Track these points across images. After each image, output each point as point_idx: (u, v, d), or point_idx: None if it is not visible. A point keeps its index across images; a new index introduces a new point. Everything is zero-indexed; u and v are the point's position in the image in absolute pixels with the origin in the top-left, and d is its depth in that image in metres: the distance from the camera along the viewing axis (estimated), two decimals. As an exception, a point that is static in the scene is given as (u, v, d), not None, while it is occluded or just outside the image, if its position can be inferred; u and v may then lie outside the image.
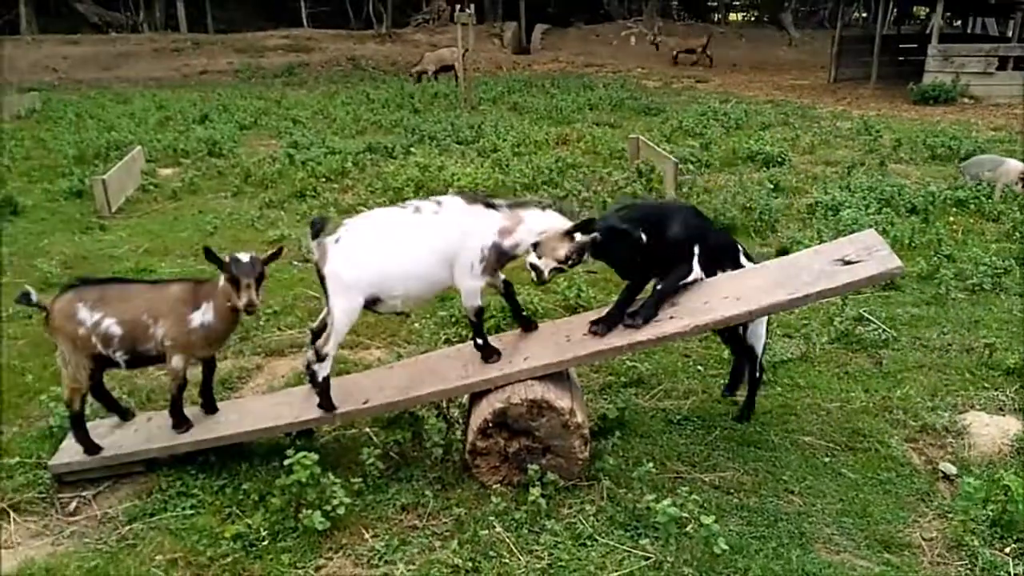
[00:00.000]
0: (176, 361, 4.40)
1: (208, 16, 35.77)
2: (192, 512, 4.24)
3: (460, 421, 4.88)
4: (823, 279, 4.39)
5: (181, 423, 4.59)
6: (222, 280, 4.27)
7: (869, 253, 4.52)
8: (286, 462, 4.06)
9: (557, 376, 4.44)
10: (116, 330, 4.31)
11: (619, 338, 4.46)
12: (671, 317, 4.49)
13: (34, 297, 4.34)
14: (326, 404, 4.48)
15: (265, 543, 3.95)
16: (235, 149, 14.04)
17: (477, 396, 4.48)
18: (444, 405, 4.96)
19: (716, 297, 4.53)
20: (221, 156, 13.52)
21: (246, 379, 5.83)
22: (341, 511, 4.03)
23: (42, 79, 25.49)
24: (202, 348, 4.49)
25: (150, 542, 4.03)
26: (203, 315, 4.36)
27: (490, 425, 4.28)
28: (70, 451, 4.55)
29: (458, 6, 22.99)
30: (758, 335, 4.92)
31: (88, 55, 28.80)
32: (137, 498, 4.39)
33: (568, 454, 4.36)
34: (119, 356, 4.37)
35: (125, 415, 4.84)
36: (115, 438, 4.63)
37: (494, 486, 4.37)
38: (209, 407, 4.76)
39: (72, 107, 19.13)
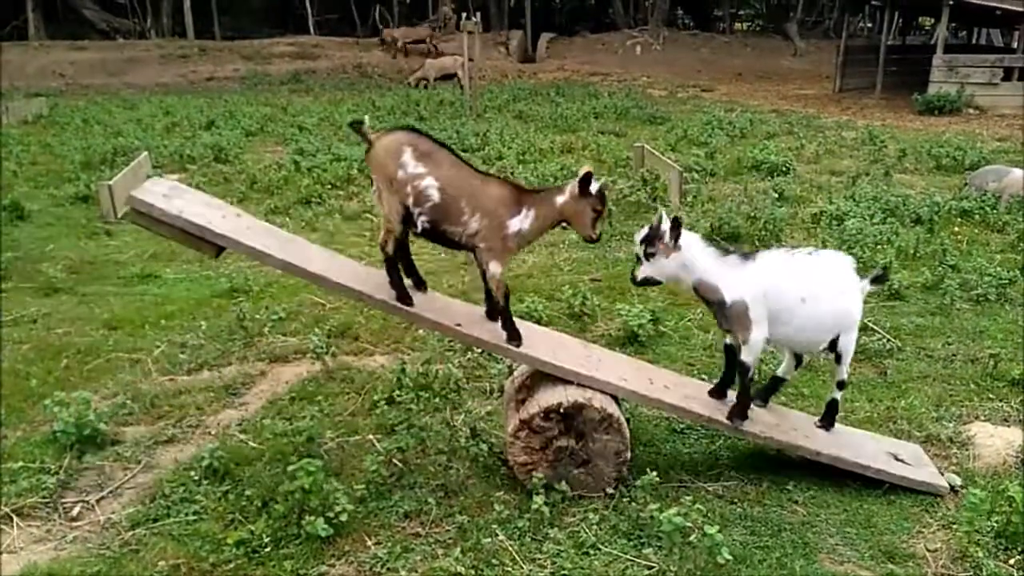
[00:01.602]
0: (493, 268, 4.28)
1: (215, 23, 35.94)
2: (195, 518, 4.24)
3: (464, 428, 4.87)
4: (881, 460, 4.56)
5: (514, 336, 4.42)
6: (572, 200, 4.18)
7: (918, 462, 4.68)
8: (289, 468, 4.06)
9: (620, 409, 4.47)
10: (434, 194, 4.16)
11: (701, 408, 4.54)
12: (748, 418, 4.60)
13: (365, 126, 4.26)
14: None
15: (268, 549, 3.95)
16: (241, 155, 14.08)
17: (554, 380, 4.41)
18: (449, 414, 4.95)
19: (789, 424, 4.71)
20: (227, 162, 13.56)
21: (250, 385, 5.84)
22: (344, 518, 4.02)
23: (49, 84, 25.62)
24: (513, 252, 4.39)
25: (153, 548, 4.02)
26: (521, 221, 4.24)
27: (560, 412, 4.26)
28: (155, 197, 4.39)
29: (464, 14, 23.09)
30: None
31: (95, 61, 28.92)
32: (140, 503, 4.39)
33: (600, 477, 4.37)
34: (422, 220, 4.21)
35: (421, 286, 4.65)
36: (203, 211, 4.46)
37: (515, 463, 4.36)
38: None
39: (79, 112, 19.21)
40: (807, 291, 4.33)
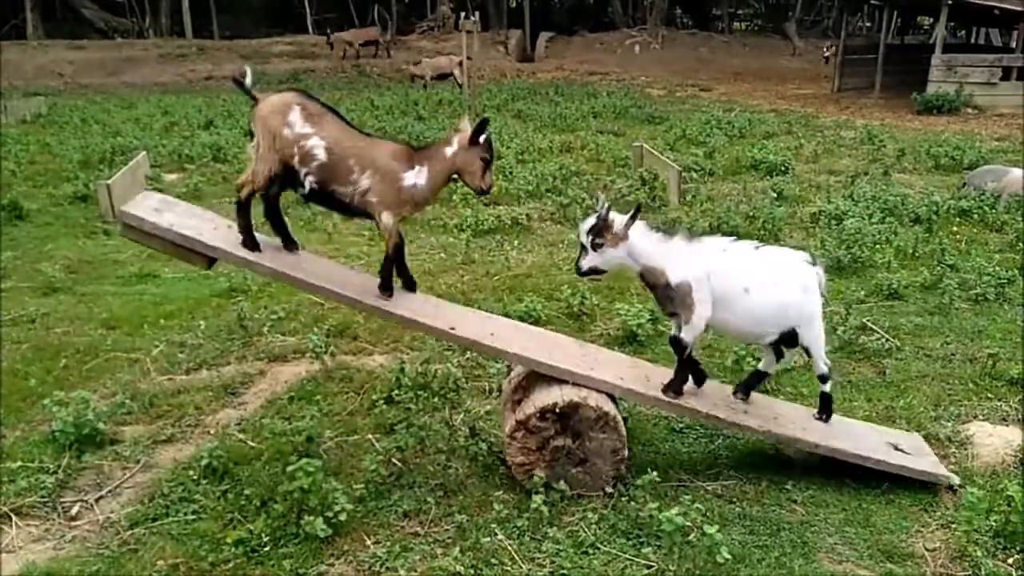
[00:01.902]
0: (386, 218, 4.32)
1: (214, 22, 35.93)
2: (194, 517, 4.24)
3: (463, 427, 4.87)
4: (883, 452, 4.56)
5: (387, 287, 4.48)
6: (461, 151, 4.28)
7: (919, 452, 4.69)
8: (288, 468, 4.06)
9: (616, 406, 4.48)
10: (320, 153, 4.21)
11: (699, 404, 4.55)
12: (745, 412, 4.62)
13: (248, 79, 4.28)
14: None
15: (267, 549, 3.95)
16: (240, 155, 14.05)
17: (546, 379, 4.43)
18: (448, 413, 4.95)
19: (787, 418, 4.70)
20: (226, 161, 13.55)
21: (249, 384, 5.83)
22: (343, 517, 4.02)
23: (48, 84, 25.61)
24: (409, 208, 4.42)
25: (152, 547, 4.02)
26: (416, 176, 4.29)
27: (554, 412, 4.27)
28: (145, 211, 4.43)
29: (463, 13, 23.09)
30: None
31: (94, 60, 28.91)
32: (139, 503, 4.39)
33: (598, 476, 4.37)
34: (309, 180, 4.27)
35: (291, 245, 4.70)
36: (194, 223, 4.54)
37: (513, 464, 4.37)
38: (409, 283, 4.71)
39: (77, 112, 19.19)
40: (751, 282, 4.32)
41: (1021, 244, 8.54)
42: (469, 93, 19.85)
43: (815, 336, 4.53)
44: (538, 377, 4.49)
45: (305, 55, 31.04)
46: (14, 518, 4.26)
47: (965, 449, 4.92)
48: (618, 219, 4.23)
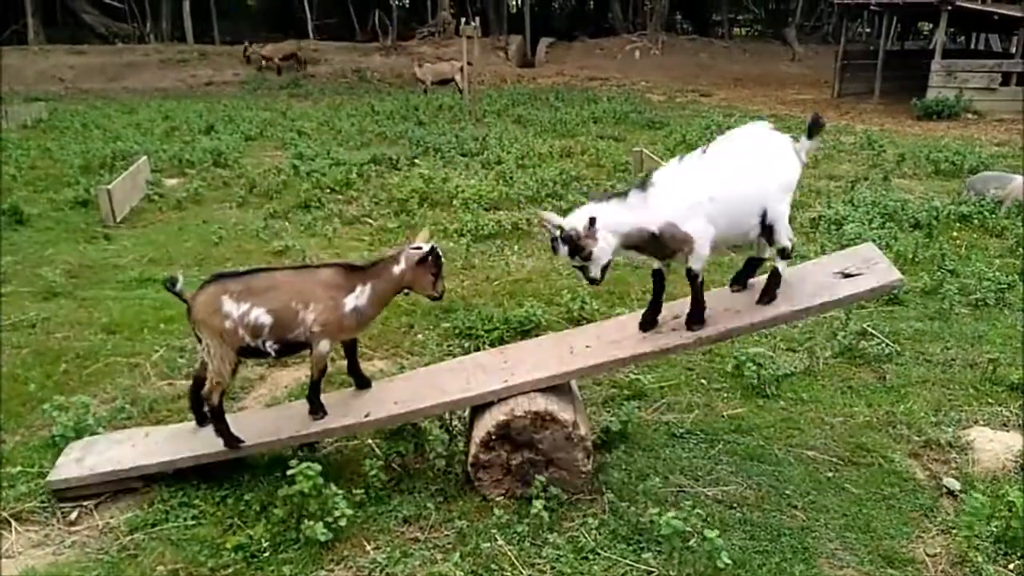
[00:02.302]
0: (323, 346, 4.39)
1: (214, 27, 35.94)
2: (194, 523, 4.24)
3: (463, 433, 4.87)
4: (824, 292, 4.42)
5: (317, 410, 4.55)
6: (410, 270, 4.36)
7: (868, 266, 4.55)
8: (288, 472, 4.06)
9: (560, 389, 4.45)
10: (266, 319, 4.26)
11: (621, 350, 4.48)
12: (673, 330, 4.51)
13: (179, 285, 4.33)
14: None
15: (266, 554, 3.95)
16: (240, 160, 14.09)
17: (479, 409, 4.47)
18: (447, 417, 4.95)
19: (718, 310, 4.55)
20: (226, 167, 13.56)
21: (249, 389, 5.84)
22: (343, 522, 4.02)
23: (49, 89, 25.61)
24: (352, 331, 4.50)
25: (151, 552, 4.02)
26: (357, 299, 4.35)
27: (493, 438, 4.28)
28: (68, 467, 4.52)
29: (463, 19, 23.12)
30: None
31: (94, 65, 28.93)
32: (139, 508, 4.39)
33: (571, 467, 4.35)
34: (269, 346, 4.33)
35: (203, 421, 4.69)
36: (113, 453, 4.59)
37: (497, 499, 4.36)
38: (361, 382, 4.80)
39: (78, 117, 19.20)
40: (712, 190, 4.19)
41: (1021, 249, 8.55)
42: (470, 98, 19.87)
43: (782, 211, 4.35)
44: (473, 412, 4.54)
45: (306, 60, 31.04)
46: (14, 523, 4.27)
47: (966, 454, 4.92)
48: (577, 223, 4.18)
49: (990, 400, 5.57)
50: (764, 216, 4.31)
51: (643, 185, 4.29)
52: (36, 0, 32.76)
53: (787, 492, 4.51)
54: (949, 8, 19.97)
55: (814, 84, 27.05)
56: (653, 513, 3.91)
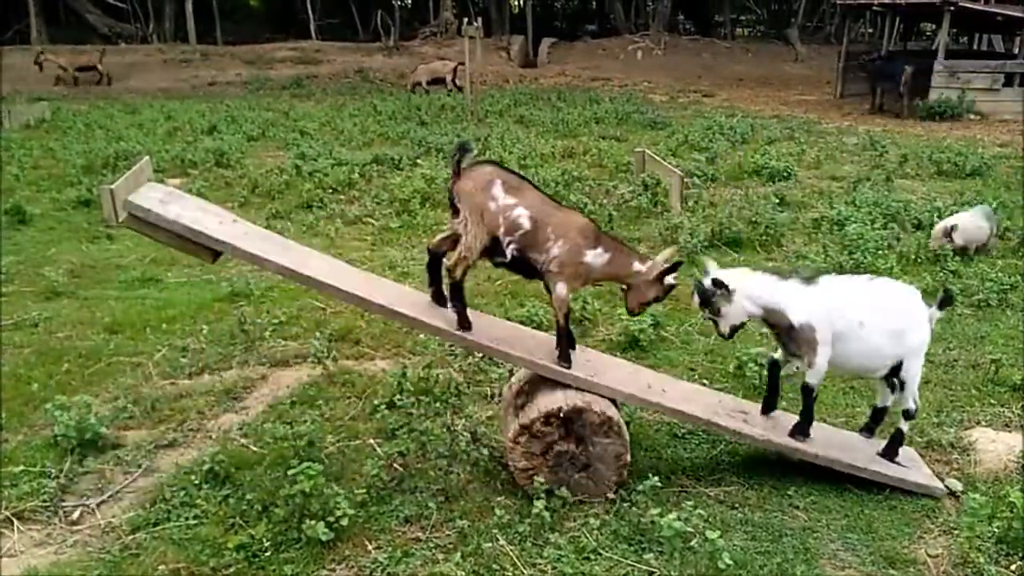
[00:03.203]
0: (560, 289, 4.38)
1: (217, 28, 35.96)
2: (195, 522, 4.24)
3: (465, 432, 4.87)
4: (877, 464, 4.59)
5: (566, 359, 4.48)
6: (643, 277, 4.40)
7: (913, 463, 4.72)
8: (290, 472, 4.07)
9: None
10: (525, 223, 4.30)
11: (699, 410, 4.57)
12: (745, 420, 4.67)
13: (472, 152, 4.40)
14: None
15: (268, 554, 3.95)
16: (243, 160, 14.10)
17: (550, 384, 4.45)
18: (450, 417, 4.96)
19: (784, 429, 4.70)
20: (229, 167, 13.57)
21: (251, 389, 5.84)
22: (344, 522, 4.02)
23: (51, 89, 25.63)
24: (577, 282, 4.49)
25: (153, 552, 4.02)
26: (595, 257, 4.36)
27: (559, 417, 4.27)
28: (151, 202, 4.44)
29: (465, 19, 23.12)
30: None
31: (97, 65, 28.94)
32: (140, 507, 4.39)
33: (601, 481, 4.38)
34: (512, 249, 4.35)
35: (439, 299, 4.67)
36: (198, 216, 4.51)
37: (516, 468, 4.37)
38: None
39: (81, 117, 19.23)
40: (866, 315, 4.40)
41: (1023, 251, 8.53)
42: (472, 99, 19.88)
43: (915, 371, 4.57)
44: (541, 381, 4.49)
45: (308, 61, 31.07)
46: (15, 522, 4.27)
47: (968, 455, 4.91)
48: (727, 277, 4.34)
49: (992, 401, 5.56)
50: (899, 367, 4.52)
51: (810, 279, 4.48)
52: (39, 0, 32.80)
53: (789, 492, 4.51)
54: (951, 8, 19.96)
55: (817, 85, 27.04)
56: (655, 513, 3.91)
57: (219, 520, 4.24)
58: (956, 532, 4.15)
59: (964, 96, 19.58)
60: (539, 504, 4.09)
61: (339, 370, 6.02)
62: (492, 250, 4.40)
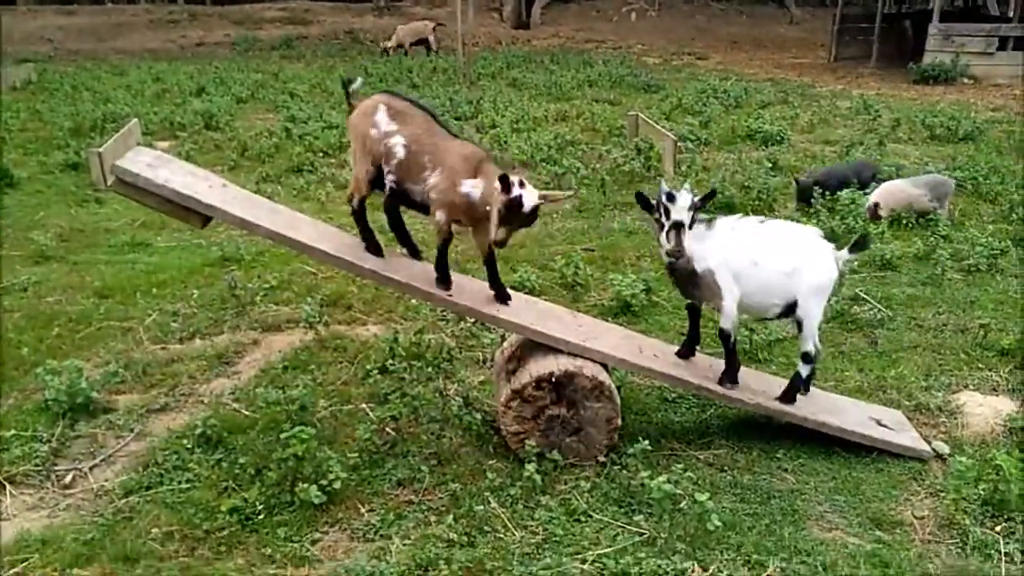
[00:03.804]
0: (439, 216, 4.31)
1: (205, -12, 35.42)
2: (188, 486, 4.26)
3: (457, 397, 4.89)
4: (867, 427, 4.62)
5: (445, 280, 4.47)
6: (507, 184, 4.00)
7: (901, 428, 4.73)
8: (282, 436, 4.08)
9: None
10: (399, 152, 4.23)
11: (689, 374, 4.62)
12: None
13: (355, 86, 4.34)
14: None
15: (261, 517, 3.97)
16: (232, 123, 13.97)
17: (546, 349, 4.46)
18: (442, 382, 4.97)
19: (772, 388, 4.75)
20: (218, 129, 13.45)
21: (243, 354, 5.84)
22: (337, 485, 4.05)
23: (38, 50, 25.26)
24: (464, 215, 4.34)
25: (146, 515, 4.05)
26: (473, 187, 4.21)
27: (550, 382, 4.30)
28: (139, 167, 4.42)
29: (457, -21, 22.82)
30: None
31: (84, 26, 28.57)
32: (133, 471, 4.41)
33: (592, 445, 4.42)
34: (389, 179, 4.29)
35: (416, 254, 4.73)
36: (188, 180, 4.50)
37: (507, 433, 4.41)
38: (501, 296, 4.60)
39: (68, 79, 18.98)
40: (759, 255, 4.39)
41: (1014, 215, 8.54)
42: (464, 61, 19.68)
43: (812, 312, 4.50)
44: (533, 346, 4.50)
45: (297, 21, 30.69)
46: (8, 486, 4.28)
47: (955, 419, 4.96)
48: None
49: (980, 365, 5.60)
50: (793, 307, 4.49)
51: (708, 223, 4.44)
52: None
53: (777, 455, 4.55)
54: (947, -29, 19.77)
55: (811, 47, 26.82)
56: (644, 476, 3.94)
57: (212, 484, 4.26)
58: (942, 494, 4.20)
59: (958, 60, 19.47)
60: (530, 467, 4.12)
61: (331, 335, 6.02)
62: (378, 183, 4.31)
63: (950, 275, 7.04)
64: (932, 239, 7.63)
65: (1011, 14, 22.15)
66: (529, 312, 4.66)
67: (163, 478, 4.33)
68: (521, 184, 4.03)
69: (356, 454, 4.40)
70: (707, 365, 4.82)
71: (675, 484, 3.84)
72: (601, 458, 4.41)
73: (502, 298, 4.55)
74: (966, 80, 19.29)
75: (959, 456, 4.39)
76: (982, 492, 4.08)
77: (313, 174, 10.65)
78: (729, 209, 8.87)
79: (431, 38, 23.23)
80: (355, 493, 4.19)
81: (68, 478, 4.39)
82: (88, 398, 4.92)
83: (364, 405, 5.06)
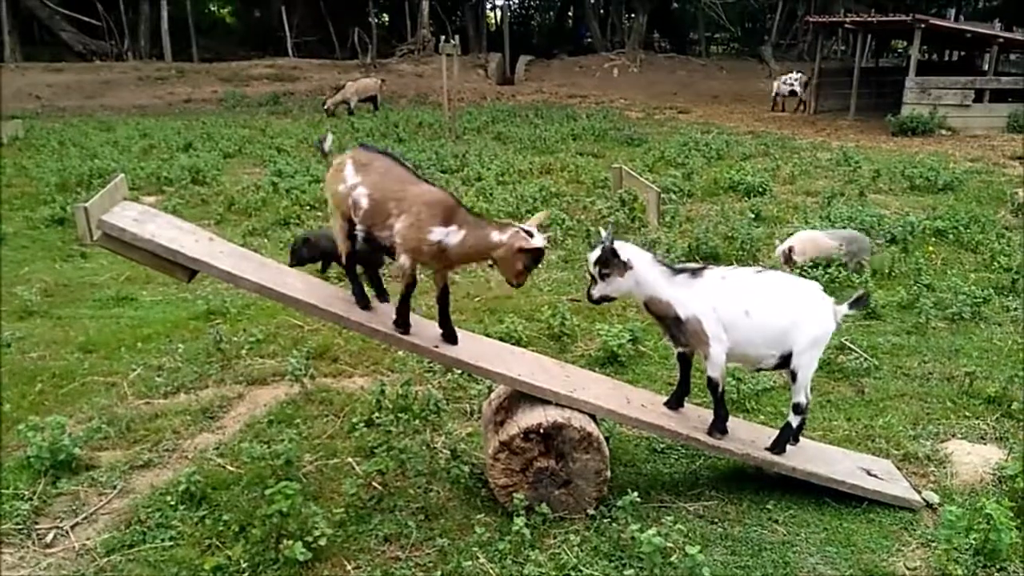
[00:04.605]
0: (403, 260, 4.28)
1: (193, 44, 35.86)
2: (171, 544, 4.19)
3: (444, 449, 4.85)
4: (856, 477, 4.61)
5: (404, 324, 4.42)
6: (506, 248, 4.15)
7: (891, 478, 4.74)
8: (267, 492, 4.03)
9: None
10: (364, 202, 4.23)
11: (678, 425, 4.58)
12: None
13: (327, 145, 4.36)
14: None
15: (246, 575, 3.90)
16: (219, 177, 14.03)
17: (531, 401, 4.43)
18: (430, 436, 4.94)
19: (762, 440, 4.72)
20: (205, 184, 13.50)
21: (228, 408, 5.78)
22: (323, 542, 3.98)
23: (25, 106, 25.42)
24: (431, 261, 4.34)
25: (128, 574, 3.96)
26: (446, 235, 4.20)
27: (539, 433, 4.26)
28: (126, 221, 4.36)
29: (443, 37, 23.19)
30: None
31: (72, 83, 28.78)
32: (116, 529, 4.33)
33: (582, 497, 4.37)
34: (359, 230, 4.31)
35: (382, 295, 4.73)
36: (174, 235, 4.46)
37: (496, 486, 4.35)
38: (449, 336, 4.55)
39: (55, 135, 19.07)
40: (751, 304, 4.39)
41: (996, 264, 8.64)
42: (450, 116, 19.92)
43: (807, 363, 4.53)
44: (521, 398, 4.48)
45: (284, 78, 31.03)
46: (-13, 546, 4.19)
47: (944, 468, 4.95)
48: (624, 249, 4.34)
49: (967, 413, 5.61)
50: (788, 358, 4.49)
51: (696, 272, 4.48)
52: (13, 18, 32.58)
53: (768, 507, 4.52)
54: (922, 26, 20.27)
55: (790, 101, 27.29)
56: (635, 529, 3.91)
57: (195, 541, 4.19)
58: (934, 544, 4.18)
59: (935, 112, 19.86)
60: (519, 521, 4.07)
61: (317, 388, 5.98)
62: (352, 235, 4.34)
63: (934, 324, 7.09)
64: (915, 288, 7.69)
65: (986, 67, 22.69)
66: (516, 363, 4.64)
67: (146, 536, 4.25)
68: (533, 233, 4.18)
69: (342, 509, 4.34)
70: (696, 416, 4.81)
71: (665, 537, 3.80)
72: (591, 511, 4.37)
73: (450, 338, 4.51)
74: (944, 132, 19.66)
75: (949, 505, 4.37)
76: (974, 541, 4.06)
77: (300, 227, 10.67)
78: (714, 259, 8.95)
79: (378, 96, 23.60)
80: (341, 550, 4.13)
81: (49, 537, 4.30)
82: (70, 455, 4.84)
83: (350, 459, 5.00)
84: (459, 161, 14.96)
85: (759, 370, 4.85)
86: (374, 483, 4.67)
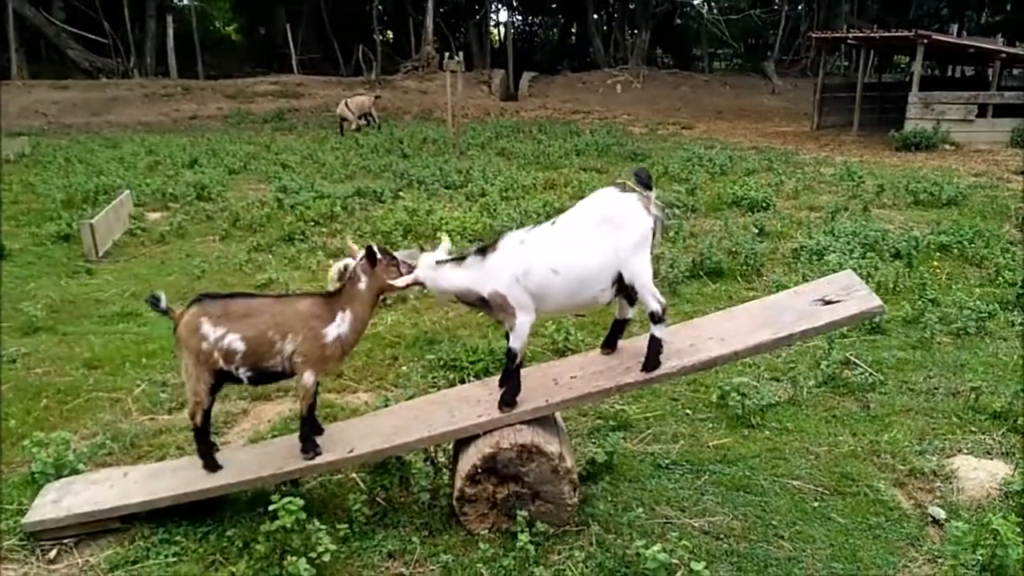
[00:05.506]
0: (307, 377, 4.33)
1: (198, 62, 36.06)
2: (175, 560, 4.18)
3: (448, 466, 4.84)
4: (806, 319, 4.45)
5: (310, 448, 4.45)
6: (372, 277, 4.33)
7: (848, 293, 4.60)
8: (271, 508, 4.02)
9: (545, 421, 4.43)
10: (239, 345, 4.25)
11: (606, 380, 4.48)
12: (627, 368, 4.54)
13: (163, 303, 4.32)
14: None
15: (249, 591, 3.89)
16: (224, 193, 14.08)
17: (464, 441, 4.44)
18: (431, 450, 4.93)
19: (701, 338, 4.58)
20: (210, 200, 13.55)
21: (232, 424, 5.79)
22: (327, 558, 3.97)
23: (32, 124, 25.56)
24: (337, 361, 4.45)
25: (132, 591, 3.96)
26: (339, 327, 4.31)
27: (479, 471, 4.25)
28: (44, 509, 4.44)
29: (447, 53, 23.31)
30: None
31: (78, 100, 28.94)
32: (119, 545, 4.33)
33: (557, 500, 4.33)
34: (242, 372, 4.32)
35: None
36: (91, 494, 4.52)
37: (482, 533, 4.33)
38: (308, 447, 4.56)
39: (61, 151, 19.17)
40: (556, 262, 4.23)
41: (1000, 278, 8.63)
42: (454, 132, 19.99)
43: (640, 269, 4.29)
44: (457, 445, 4.51)
45: (289, 95, 31.17)
46: (-9, 562, 4.19)
47: (950, 483, 4.93)
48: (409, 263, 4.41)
49: (973, 428, 5.59)
50: (619, 279, 4.31)
51: (484, 249, 4.37)
52: (20, 36, 32.81)
53: (773, 522, 4.51)
54: (925, 42, 20.33)
55: (794, 116, 27.39)
56: (639, 545, 3.89)
57: (199, 557, 4.18)
58: (940, 560, 4.15)
59: (939, 127, 19.88)
60: (523, 537, 4.05)
61: (321, 403, 5.97)
62: (229, 379, 4.37)
63: (939, 338, 7.07)
64: (920, 303, 7.68)
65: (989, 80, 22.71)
66: (434, 413, 4.62)
67: (149, 552, 4.25)
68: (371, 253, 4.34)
69: (346, 525, 4.32)
70: (632, 349, 4.68)
71: (670, 553, 3.79)
72: (574, 499, 4.31)
73: (308, 450, 4.48)
74: (947, 147, 19.67)
75: (956, 521, 4.34)
76: (980, 557, 4.03)
77: (304, 243, 10.71)
78: (718, 275, 8.95)
79: (373, 111, 23.69)
80: (345, 566, 4.12)
81: (53, 553, 4.30)
82: (75, 470, 4.85)
83: (354, 475, 4.99)
84: (463, 177, 15.01)
85: (608, 304, 4.57)
86: (378, 499, 4.66)
